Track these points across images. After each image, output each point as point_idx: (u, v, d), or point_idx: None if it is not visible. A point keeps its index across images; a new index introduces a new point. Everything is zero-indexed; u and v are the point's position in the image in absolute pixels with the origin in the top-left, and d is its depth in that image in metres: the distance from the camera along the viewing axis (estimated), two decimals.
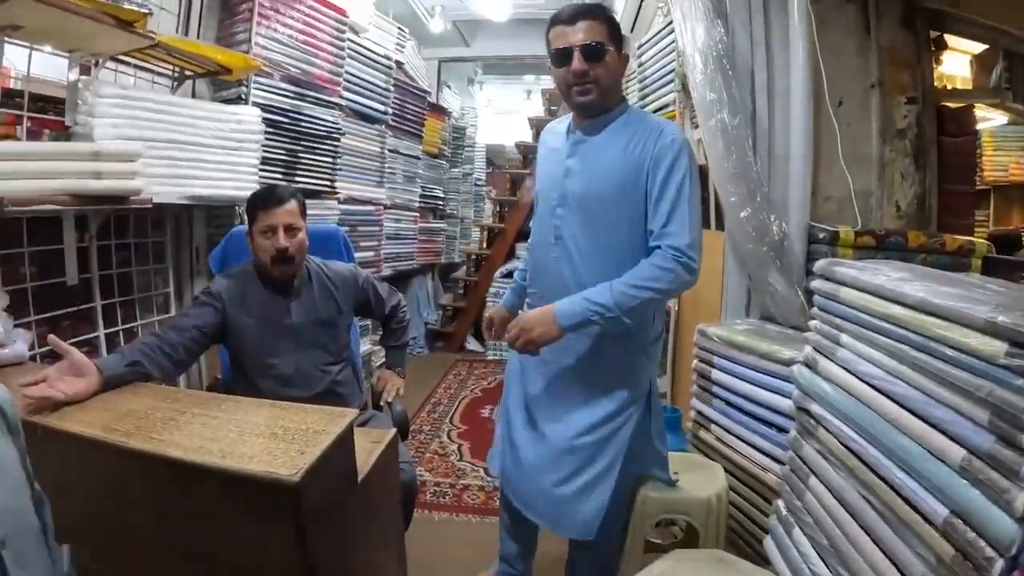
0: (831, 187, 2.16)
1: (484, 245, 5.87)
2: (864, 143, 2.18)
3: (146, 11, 1.87)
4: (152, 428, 1.12)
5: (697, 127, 2.55)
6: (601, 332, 1.38)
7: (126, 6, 1.84)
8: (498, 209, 6.24)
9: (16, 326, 1.80)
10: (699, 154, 2.73)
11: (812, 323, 1.50)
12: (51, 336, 1.28)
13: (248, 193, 2.48)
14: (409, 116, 4.54)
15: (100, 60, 2.07)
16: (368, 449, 1.28)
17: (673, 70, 2.88)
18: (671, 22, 2.75)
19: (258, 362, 1.67)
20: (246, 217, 1.68)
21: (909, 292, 1.12)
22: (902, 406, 1.13)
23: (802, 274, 2.08)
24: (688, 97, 2.59)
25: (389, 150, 4.18)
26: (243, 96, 2.62)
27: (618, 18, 4.05)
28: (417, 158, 4.78)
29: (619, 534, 1.59)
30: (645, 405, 1.50)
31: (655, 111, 3.24)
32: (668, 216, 1.32)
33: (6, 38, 1.80)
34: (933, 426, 1.05)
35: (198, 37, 2.53)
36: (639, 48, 3.43)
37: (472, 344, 5.32)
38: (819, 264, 1.50)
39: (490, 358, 5.02)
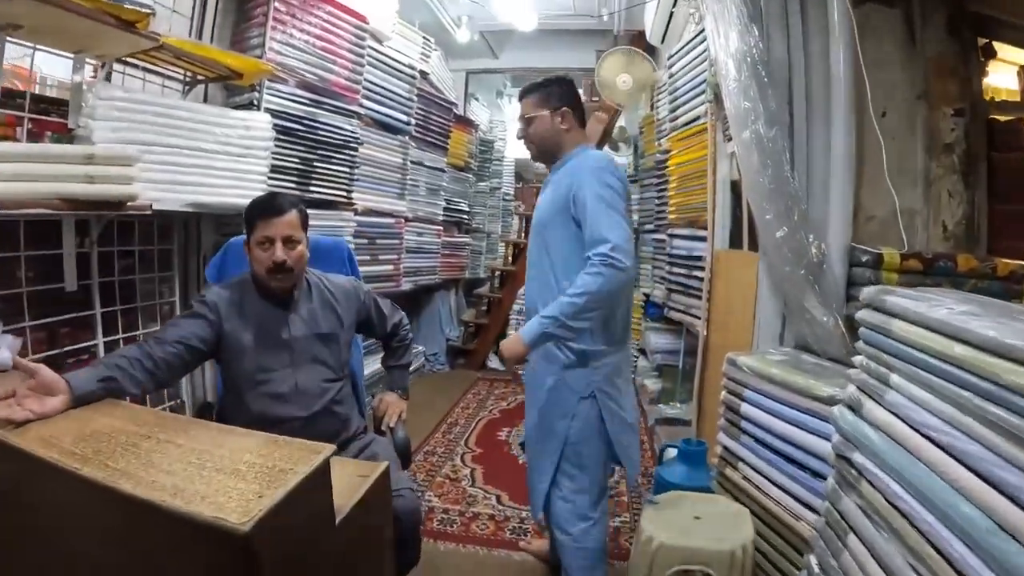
0: (874, 205, 1.97)
1: (509, 261, 5.73)
2: (909, 158, 1.99)
3: (148, 11, 1.80)
4: (111, 454, 1.01)
5: (730, 139, 2.42)
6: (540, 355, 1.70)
7: (127, 6, 1.76)
8: (524, 224, 6.10)
9: (7, 331, 1.75)
10: (732, 168, 2.62)
11: (857, 359, 1.32)
12: (16, 358, 1.20)
13: None
14: (434, 128, 4.46)
15: (107, 62, 2.02)
16: (353, 485, 1.16)
17: (704, 80, 2.74)
18: (703, 30, 2.63)
19: (253, 378, 1.54)
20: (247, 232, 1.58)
21: (977, 330, 0.94)
22: (964, 464, 0.95)
23: (842, 300, 1.89)
24: (720, 108, 2.45)
25: (412, 162, 4.10)
26: (255, 102, 2.55)
27: (648, 29, 4.03)
28: (442, 171, 4.69)
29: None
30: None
31: (685, 123, 3.13)
32: (591, 229, 1.56)
33: (8, 38, 1.76)
34: (1002, 492, 0.86)
35: (211, 41, 2.48)
36: (669, 59, 3.30)
37: (494, 362, 5.13)
38: (867, 292, 1.32)
39: (511, 377, 4.86)
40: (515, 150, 7.10)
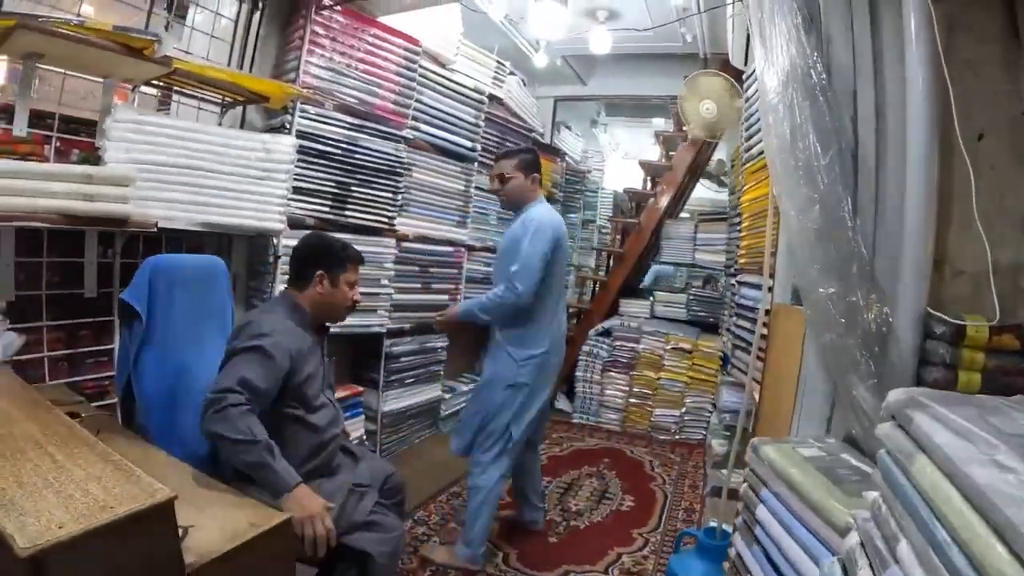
0: (963, 257, 1.46)
1: (586, 297, 5.40)
2: (1013, 194, 1.46)
3: (153, 38, 1.83)
4: None
5: None
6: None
7: (134, 35, 1.80)
8: (605, 260, 5.74)
9: (16, 329, 1.85)
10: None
11: (871, 496, 0.92)
12: None
13: (272, 224, 2.43)
14: None
15: (136, 86, 2.10)
16: (235, 531, 1.18)
17: None
18: None
19: (314, 402, 1.67)
20: (323, 262, 1.72)
21: None
22: None
23: (907, 384, 1.41)
24: None
25: (480, 188, 3.95)
26: (287, 125, 2.55)
27: (730, 51, 3.61)
28: None
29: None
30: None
31: (758, 155, 2.74)
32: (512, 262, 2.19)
33: (41, 64, 1.87)
34: None
35: (251, 67, 2.52)
36: (744, 81, 2.89)
37: (562, 403, 4.81)
38: (892, 397, 0.92)
39: (575, 421, 4.50)
40: (613, 181, 6.82)
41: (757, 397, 2.28)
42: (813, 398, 1.71)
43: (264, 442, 1.42)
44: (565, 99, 5.57)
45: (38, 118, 1.96)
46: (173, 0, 2.26)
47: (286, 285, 1.80)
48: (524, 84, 4.58)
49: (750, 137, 2.88)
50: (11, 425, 1.23)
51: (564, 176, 5.44)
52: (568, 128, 5.97)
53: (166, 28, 2.24)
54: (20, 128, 1.80)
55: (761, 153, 2.60)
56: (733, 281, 3.17)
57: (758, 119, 2.64)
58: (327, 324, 1.82)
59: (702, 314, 4.52)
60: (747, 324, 2.71)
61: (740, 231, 3.21)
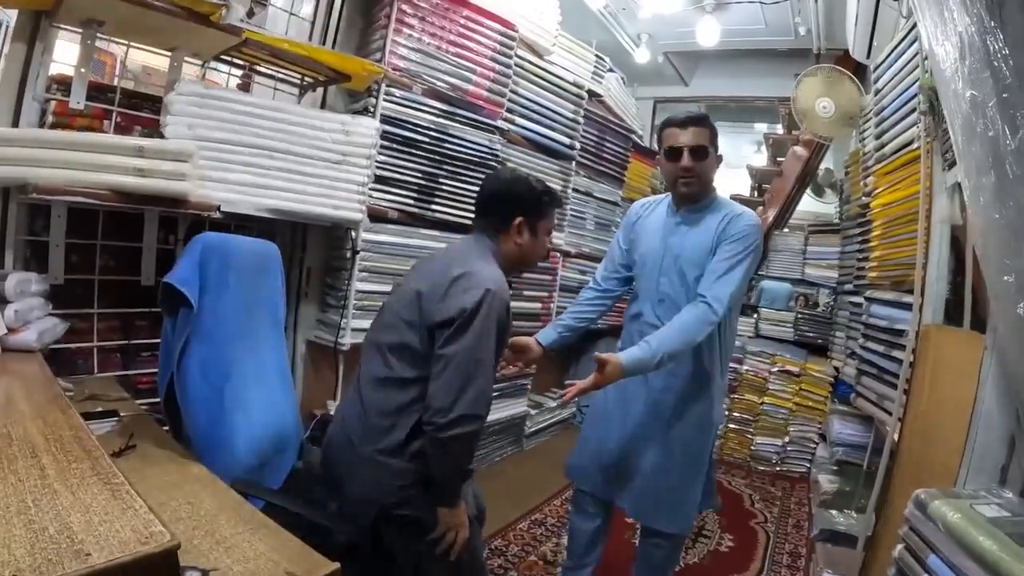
0: None
1: None
2: None
3: (220, 2, 1.64)
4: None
5: (952, 165, 1.75)
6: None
7: None
8: None
9: (59, 315, 1.70)
10: (955, 207, 1.87)
11: None
12: None
13: (350, 213, 2.20)
14: (607, 156, 3.96)
15: (205, 62, 1.94)
16: None
17: (917, 93, 2.03)
18: (914, 25, 1.98)
19: None
20: (524, 206, 1.45)
21: None
22: None
23: None
24: (939, 123, 1.80)
25: (576, 191, 3.65)
26: (370, 108, 2.33)
27: (850, 42, 3.14)
28: (616, 204, 4.15)
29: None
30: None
31: (894, 152, 2.40)
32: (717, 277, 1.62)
33: (102, 35, 1.74)
34: None
35: (333, 47, 2.33)
36: (874, 71, 2.56)
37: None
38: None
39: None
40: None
41: (897, 435, 1.91)
42: (988, 440, 1.33)
43: None
44: (665, 101, 5.20)
45: (99, 91, 1.84)
46: None
47: (477, 231, 1.49)
48: (624, 82, 4.23)
49: (882, 134, 2.52)
50: (12, 423, 1.04)
51: (663, 182, 5.02)
52: None
53: (249, 14, 2.09)
54: (77, 100, 1.67)
55: (903, 148, 2.29)
56: (859, 298, 2.80)
57: (894, 111, 2.37)
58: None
59: (810, 335, 4.10)
60: (880, 348, 2.32)
61: (867, 241, 2.86)
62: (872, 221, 2.71)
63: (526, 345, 1.76)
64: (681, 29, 3.88)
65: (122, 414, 1.49)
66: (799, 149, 4.20)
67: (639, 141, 4.53)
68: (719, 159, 1.70)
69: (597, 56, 3.69)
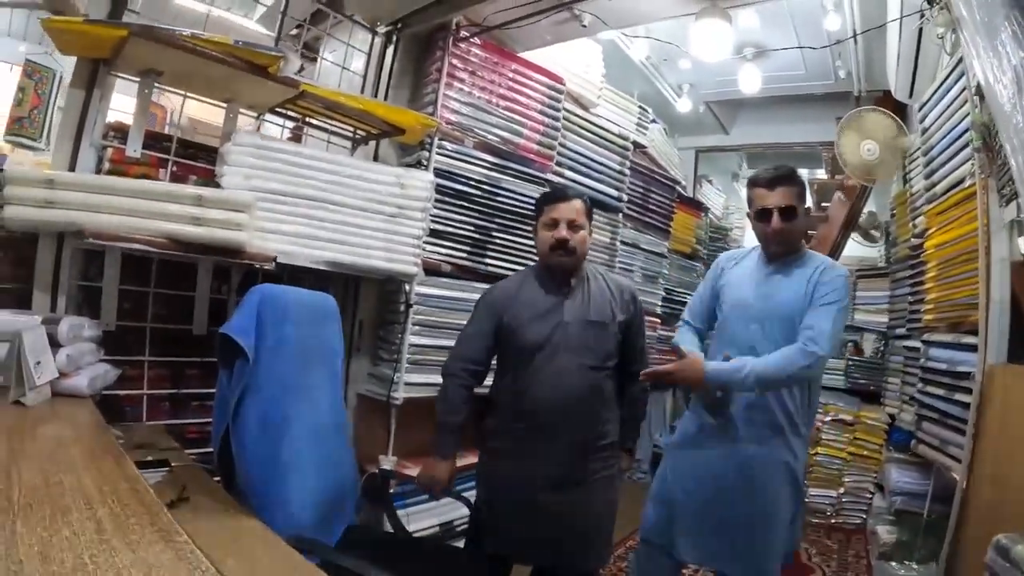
0: None
1: None
2: None
3: (279, 54, 1.65)
4: None
5: (1010, 201, 1.79)
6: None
7: (258, 51, 1.64)
8: None
9: (110, 361, 1.66)
10: (1014, 244, 1.89)
11: None
12: None
13: (405, 267, 2.14)
14: (653, 207, 3.89)
15: (260, 113, 1.95)
16: None
17: (968, 128, 2.07)
18: (959, 61, 2.02)
19: (522, 356, 1.63)
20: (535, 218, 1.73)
21: None
22: None
23: None
24: (993, 159, 1.81)
25: (624, 242, 3.56)
26: (423, 161, 2.31)
27: (892, 82, 3.13)
28: (662, 255, 4.04)
29: None
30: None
31: (946, 191, 2.39)
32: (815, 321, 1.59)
33: (156, 85, 1.76)
34: None
35: (385, 99, 2.34)
36: (920, 110, 2.56)
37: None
38: None
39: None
40: (754, 239, 6.13)
41: (965, 481, 1.89)
42: None
43: None
44: (707, 150, 5.18)
45: (154, 140, 1.85)
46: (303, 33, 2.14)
47: None
48: (666, 133, 4.22)
49: (932, 173, 2.52)
50: (66, 472, 0.98)
51: (708, 232, 4.91)
52: (709, 182, 5.50)
53: (300, 70, 2.13)
54: (134, 149, 1.67)
55: (955, 187, 2.26)
56: (914, 343, 2.81)
57: (943, 149, 2.37)
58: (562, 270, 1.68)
59: (862, 381, 4.02)
60: (941, 392, 2.31)
61: (920, 283, 2.86)
62: (926, 263, 2.67)
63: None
64: (721, 78, 3.87)
65: (173, 464, 1.40)
66: (841, 196, 4.12)
67: (683, 192, 4.46)
68: (807, 211, 1.74)
69: (640, 107, 3.68)
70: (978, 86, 1.82)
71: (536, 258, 1.78)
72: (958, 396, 2.11)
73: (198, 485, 1.32)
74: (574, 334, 1.62)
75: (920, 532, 2.62)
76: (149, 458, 1.42)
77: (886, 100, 3.46)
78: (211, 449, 1.85)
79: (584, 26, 2.36)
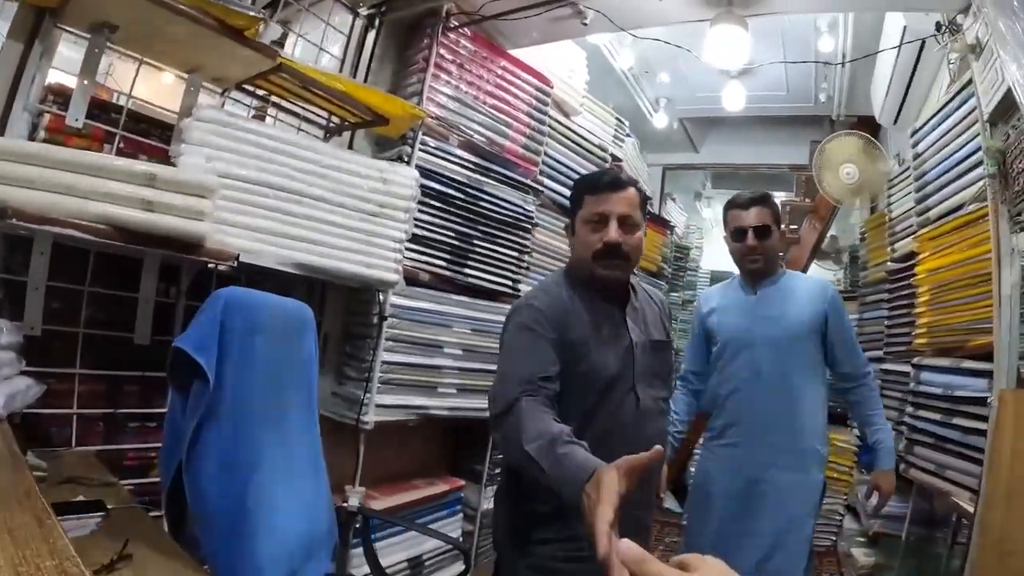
0: None
1: None
2: None
3: (258, 15, 1.40)
4: None
5: None
6: None
7: (234, 8, 1.39)
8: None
9: (32, 374, 1.33)
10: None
11: None
12: None
13: (384, 273, 1.91)
14: None
15: (226, 90, 1.68)
16: None
17: (971, 154, 2.08)
18: (968, 82, 2.00)
19: (596, 390, 1.22)
20: (570, 213, 1.34)
21: None
22: None
23: None
24: (1008, 186, 1.79)
25: None
26: (404, 157, 2.08)
27: (877, 107, 3.16)
28: (633, 274, 3.93)
29: None
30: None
31: (943, 215, 2.38)
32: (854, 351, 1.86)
33: (112, 45, 1.47)
34: None
35: (364, 83, 2.10)
36: (912, 136, 2.56)
37: (670, 502, 3.95)
38: None
39: (686, 523, 3.64)
40: (712, 260, 6.23)
41: (974, 507, 1.86)
42: None
43: None
44: (675, 167, 5.16)
45: (101, 110, 1.56)
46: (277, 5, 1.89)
47: None
48: (638, 148, 4.14)
49: (924, 198, 2.51)
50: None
51: (672, 251, 4.88)
52: (673, 200, 5.49)
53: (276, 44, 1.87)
54: (76, 118, 1.38)
55: (952, 212, 2.25)
56: (900, 366, 2.81)
57: (938, 175, 2.38)
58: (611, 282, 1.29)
59: (831, 403, 3.94)
60: (936, 416, 2.30)
61: (902, 307, 2.90)
62: (916, 287, 2.66)
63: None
64: (700, 94, 3.85)
65: (109, 507, 1.11)
66: (814, 220, 4.18)
67: (651, 208, 4.40)
68: (783, 233, 1.88)
69: (618, 119, 3.58)
70: (993, 111, 1.79)
71: (561, 264, 1.54)
72: (957, 420, 2.12)
73: (142, 535, 1.03)
74: (643, 360, 1.28)
75: (899, 554, 2.62)
76: (80, 498, 1.13)
77: (861, 125, 3.51)
78: (153, 480, 1.57)
79: (585, 24, 2.22)
